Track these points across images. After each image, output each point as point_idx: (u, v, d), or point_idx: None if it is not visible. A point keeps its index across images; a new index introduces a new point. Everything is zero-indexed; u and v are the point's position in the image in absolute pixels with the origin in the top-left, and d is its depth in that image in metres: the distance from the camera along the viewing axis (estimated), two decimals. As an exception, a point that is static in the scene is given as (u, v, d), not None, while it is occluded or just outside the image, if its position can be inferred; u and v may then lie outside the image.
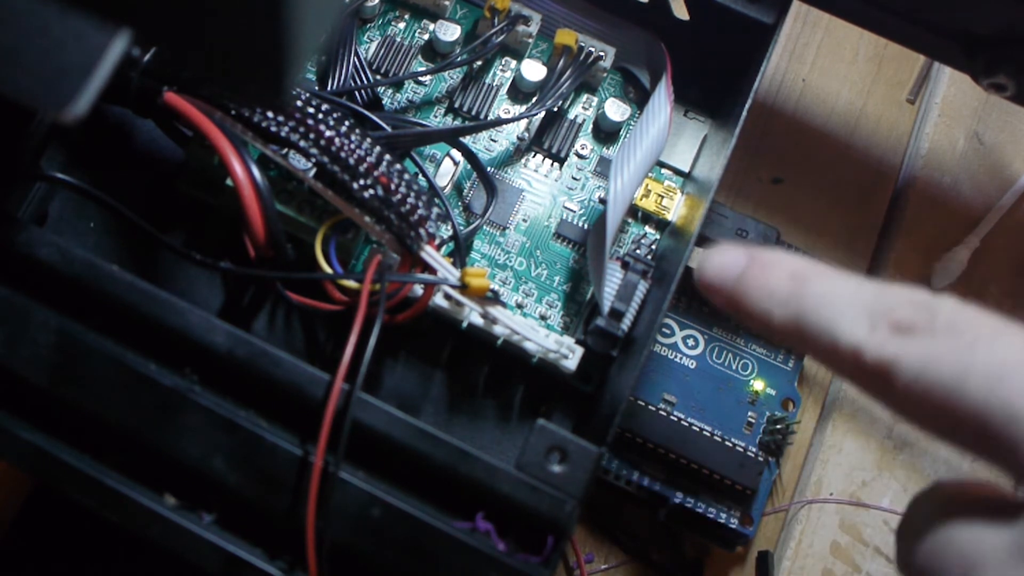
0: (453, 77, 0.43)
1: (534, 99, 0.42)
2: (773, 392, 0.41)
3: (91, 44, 0.23)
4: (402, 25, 0.43)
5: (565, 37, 0.41)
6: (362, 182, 0.34)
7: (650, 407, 0.39)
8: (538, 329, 0.37)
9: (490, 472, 0.31)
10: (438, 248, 0.35)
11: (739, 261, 0.28)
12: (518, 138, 0.42)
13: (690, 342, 0.41)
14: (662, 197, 0.41)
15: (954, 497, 0.28)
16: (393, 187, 0.34)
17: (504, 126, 0.42)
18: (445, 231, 0.38)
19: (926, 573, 0.27)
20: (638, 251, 0.41)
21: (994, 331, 0.26)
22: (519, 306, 0.40)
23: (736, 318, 0.30)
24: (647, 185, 0.41)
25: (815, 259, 0.38)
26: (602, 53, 0.42)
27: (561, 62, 0.42)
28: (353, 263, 0.39)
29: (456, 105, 0.42)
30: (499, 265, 0.41)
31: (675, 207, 0.41)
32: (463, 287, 0.35)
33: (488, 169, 0.41)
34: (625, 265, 0.38)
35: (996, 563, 0.25)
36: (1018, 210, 0.46)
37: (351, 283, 0.35)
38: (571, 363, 0.37)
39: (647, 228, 0.42)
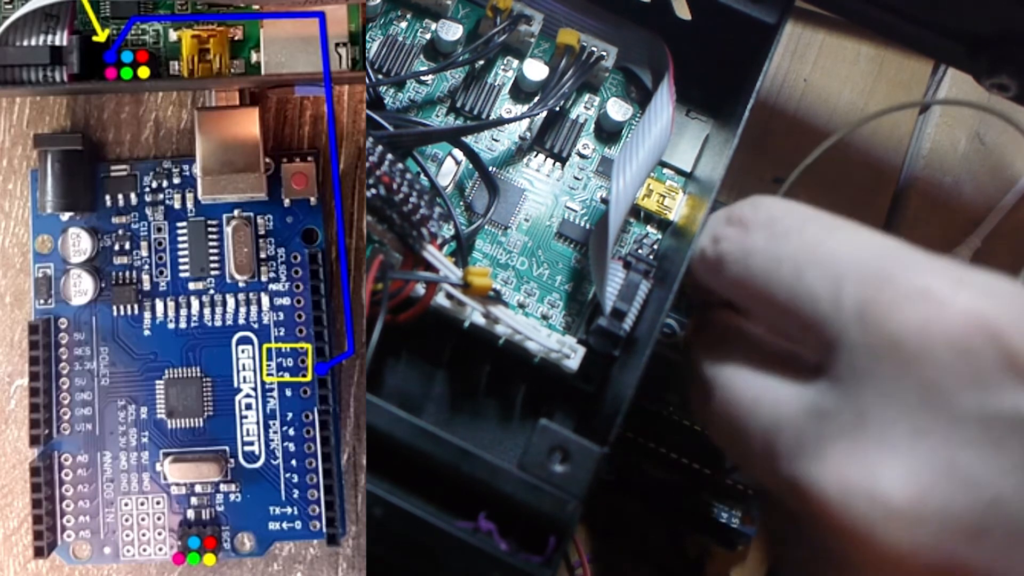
0: (455, 76, 0.43)
1: (536, 99, 0.42)
2: (775, 392, 0.41)
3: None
4: (404, 24, 0.43)
5: (567, 37, 0.41)
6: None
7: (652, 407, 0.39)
8: (540, 329, 0.37)
9: (492, 472, 0.31)
10: (440, 248, 0.35)
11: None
12: (520, 138, 0.42)
13: (692, 342, 0.41)
14: (664, 197, 0.41)
15: (748, 350, 0.30)
16: (395, 187, 0.34)
17: (506, 126, 0.42)
18: (447, 231, 0.38)
19: (721, 424, 0.30)
20: (640, 251, 0.41)
21: (804, 220, 0.28)
22: (521, 306, 0.40)
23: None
24: (649, 185, 0.41)
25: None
26: (604, 53, 0.42)
27: (563, 62, 0.42)
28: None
29: (458, 104, 0.42)
30: (501, 265, 0.41)
31: (677, 207, 0.41)
32: (465, 286, 0.35)
33: (490, 169, 0.41)
34: (627, 265, 0.38)
35: (794, 425, 0.27)
36: (1019, 210, 0.45)
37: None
38: (573, 363, 0.37)
39: (649, 228, 0.42)
